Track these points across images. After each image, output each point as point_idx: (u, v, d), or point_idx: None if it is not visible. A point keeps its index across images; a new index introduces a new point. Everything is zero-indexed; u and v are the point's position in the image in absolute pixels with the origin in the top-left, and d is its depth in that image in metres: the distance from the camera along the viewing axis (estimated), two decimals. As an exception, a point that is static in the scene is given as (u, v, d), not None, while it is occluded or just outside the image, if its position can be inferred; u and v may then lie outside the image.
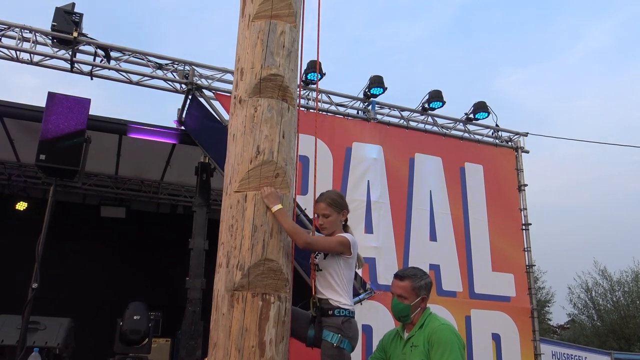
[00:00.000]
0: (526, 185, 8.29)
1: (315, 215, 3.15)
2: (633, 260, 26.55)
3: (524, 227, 8.08)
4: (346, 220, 3.20)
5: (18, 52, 6.18)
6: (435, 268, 7.15)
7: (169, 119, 7.13)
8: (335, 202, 3.12)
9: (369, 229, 6.87)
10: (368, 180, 7.07)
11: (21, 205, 9.14)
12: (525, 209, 8.18)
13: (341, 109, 7.57)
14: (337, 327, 2.87)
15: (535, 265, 8.17)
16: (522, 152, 8.54)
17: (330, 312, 2.91)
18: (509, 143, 8.61)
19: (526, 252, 7.97)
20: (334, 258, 2.99)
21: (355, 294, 6.50)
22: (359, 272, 6.54)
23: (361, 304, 6.40)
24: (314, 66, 7.10)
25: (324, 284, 2.99)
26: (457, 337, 2.79)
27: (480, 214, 7.75)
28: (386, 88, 7.60)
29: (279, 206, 2.79)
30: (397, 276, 3.01)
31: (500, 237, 7.80)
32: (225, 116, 6.37)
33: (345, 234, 3.05)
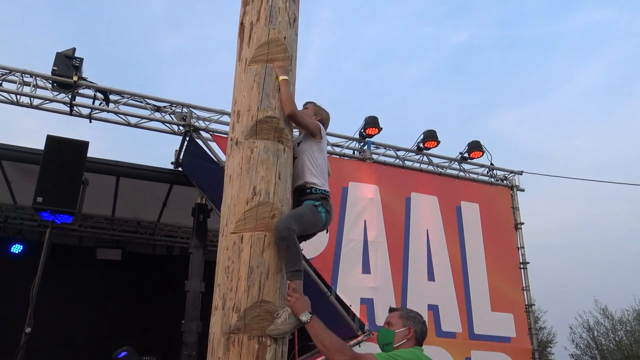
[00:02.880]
0: (522, 223, 8.31)
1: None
2: (634, 299, 26.22)
3: (522, 266, 8.05)
4: (319, 120, 3.50)
5: (18, 96, 6.27)
6: (433, 308, 7.08)
7: (167, 160, 7.17)
8: (313, 109, 3.55)
9: (366, 269, 6.84)
10: (365, 220, 7.08)
11: (17, 248, 9.07)
12: (523, 247, 8.17)
13: (337, 149, 7.65)
14: (316, 199, 3.16)
15: (535, 305, 8.11)
16: (518, 190, 8.59)
17: (308, 191, 3.18)
18: (505, 181, 8.67)
19: (525, 291, 7.92)
20: (307, 143, 3.31)
21: (353, 336, 6.41)
22: (357, 312, 6.48)
23: (359, 345, 6.31)
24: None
25: (300, 169, 3.24)
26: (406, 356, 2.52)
27: (477, 252, 7.74)
28: (381, 128, 7.70)
29: (286, 77, 3.16)
30: (390, 309, 2.97)
31: (499, 276, 7.76)
32: (222, 157, 6.42)
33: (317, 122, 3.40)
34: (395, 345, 2.69)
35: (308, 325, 2.60)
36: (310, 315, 2.61)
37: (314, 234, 3.27)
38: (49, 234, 4.80)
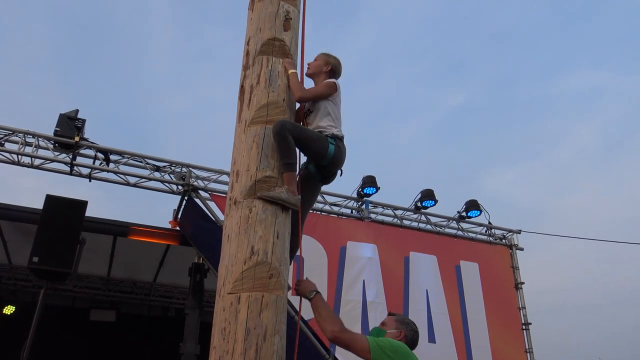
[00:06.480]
0: (523, 283, 8.21)
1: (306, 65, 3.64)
2: (640, 360, 25.54)
3: (524, 327, 7.90)
4: (330, 69, 3.59)
5: (19, 156, 6.34)
6: (435, 371, 6.88)
7: (165, 220, 7.17)
8: (323, 59, 3.61)
9: (365, 330, 6.69)
10: (363, 280, 7.00)
11: (9, 309, 8.90)
12: (524, 307, 8.04)
13: (335, 209, 7.66)
14: (332, 136, 3.30)
15: (539, 368, 7.89)
16: (517, 249, 8.55)
17: (324, 134, 3.31)
18: (503, 240, 8.65)
19: (528, 354, 7.74)
20: (322, 101, 3.42)
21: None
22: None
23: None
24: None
25: (315, 119, 3.39)
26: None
27: (478, 313, 7.61)
28: (379, 187, 7.75)
29: (294, 70, 3.32)
30: (388, 314, 3.18)
31: (501, 338, 7.59)
32: (221, 216, 6.42)
33: (330, 78, 3.50)
34: None
35: (312, 301, 2.93)
36: (314, 293, 2.94)
37: (331, 175, 3.41)
38: (43, 294, 4.74)
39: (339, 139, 3.33)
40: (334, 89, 3.44)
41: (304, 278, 3.11)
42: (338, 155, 3.28)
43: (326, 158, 3.25)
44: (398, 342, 2.84)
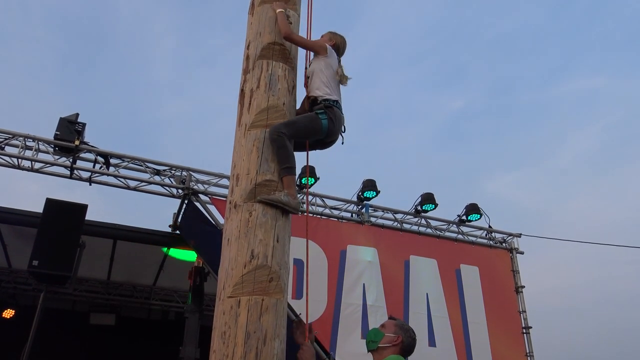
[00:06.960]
0: (523, 286, 8.20)
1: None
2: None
3: (524, 331, 7.88)
4: (334, 44, 3.77)
5: (20, 160, 6.33)
6: (435, 375, 6.86)
7: (165, 223, 7.16)
8: (329, 36, 3.83)
9: (365, 334, 6.68)
10: (363, 284, 6.99)
11: (8, 313, 8.88)
12: (524, 311, 8.02)
13: (335, 212, 7.66)
14: (320, 108, 3.47)
15: (539, 372, 7.86)
16: (517, 253, 8.53)
17: (318, 102, 3.50)
18: (503, 244, 8.64)
19: (529, 357, 7.72)
20: (316, 62, 3.62)
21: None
22: None
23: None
24: (308, 171, 7.28)
25: (314, 85, 3.56)
26: None
27: (479, 317, 7.59)
28: (379, 191, 7.74)
29: (282, 10, 3.48)
30: (389, 317, 3.23)
31: (501, 342, 7.58)
32: (221, 220, 6.42)
33: (327, 44, 3.69)
34: (379, 345, 2.97)
35: None
36: None
37: (326, 143, 3.55)
38: (43, 298, 4.74)
39: (329, 108, 3.46)
40: (324, 49, 3.61)
41: (308, 342, 3.10)
42: (331, 127, 3.43)
43: (322, 133, 3.43)
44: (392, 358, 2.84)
